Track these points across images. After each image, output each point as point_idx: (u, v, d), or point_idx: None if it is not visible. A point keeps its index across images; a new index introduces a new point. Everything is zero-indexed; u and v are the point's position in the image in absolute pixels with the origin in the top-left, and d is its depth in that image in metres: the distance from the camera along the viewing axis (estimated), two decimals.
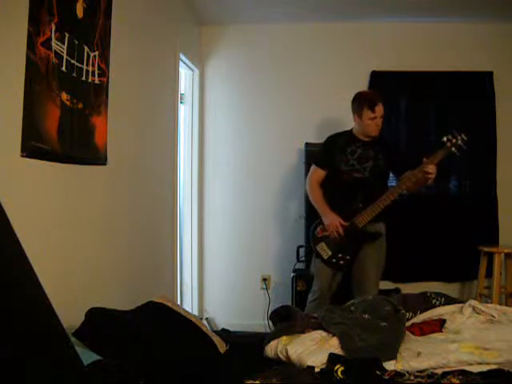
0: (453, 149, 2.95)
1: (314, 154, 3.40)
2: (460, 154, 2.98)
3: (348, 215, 3.06)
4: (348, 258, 3.09)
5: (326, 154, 3.22)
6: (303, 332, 2.09)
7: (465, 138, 2.96)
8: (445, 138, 2.96)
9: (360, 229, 3.05)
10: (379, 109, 3.09)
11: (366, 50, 4.17)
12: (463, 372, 1.69)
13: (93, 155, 2.21)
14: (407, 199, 4.14)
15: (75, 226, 2.07)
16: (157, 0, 3.16)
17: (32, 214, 1.75)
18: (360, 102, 3.12)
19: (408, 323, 2.23)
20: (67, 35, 1.90)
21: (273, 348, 2.05)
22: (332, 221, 3.07)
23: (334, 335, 2.00)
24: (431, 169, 2.89)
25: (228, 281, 4.29)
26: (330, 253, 3.10)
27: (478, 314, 2.18)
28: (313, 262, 3.25)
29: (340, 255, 3.09)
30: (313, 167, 3.27)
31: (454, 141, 2.95)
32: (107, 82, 2.27)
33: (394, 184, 3.31)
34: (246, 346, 2.27)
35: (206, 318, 4.16)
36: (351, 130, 3.24)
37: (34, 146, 1.71)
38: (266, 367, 1.88)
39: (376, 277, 3.13)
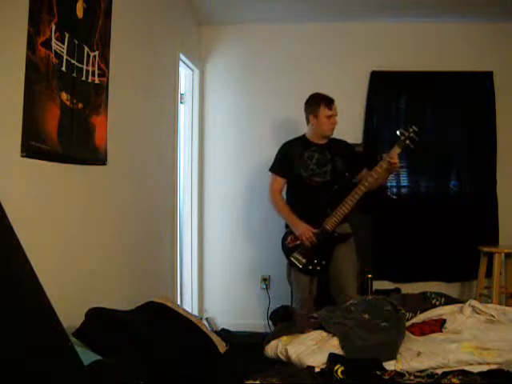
0: (407, 141, 3.01)
1: (272, 163, 3.37)
2: (414, 146, 3.03)
3: (316, 220, 3.07)
4: (324, 262, 3.10)
5: (283, 162, 3.24)
6: (303, 332, 2.09)
7: (416, 129, 3.01)
8: (398, 132, 3.04)
9: (331, 232, 3.06)
10: (335, 107, 3.15)
11: (366, 50, 4.17)
12: (463, 372, 1.69)
13: (93, 155, 2.21)
14: (407, 199, 4.16)
15: (75, 225, 2.07)
16: (157, 0, 3.16)
17: (32, 213, 1.75)
18: (316, 101, 3.18)
19: (408, 323, 2.23)
20: (67, 35, 1.90)
21: (273, 348, 2.05)
22: (303, 230, 3.07)
23: (334, 335, 2.00)
24: (394, 158, 2.94)
25: (228, 281, 4.29)
26: (303, 261, 3.10)
27: (478, 314, 2.18)
28: (290, 273, 3.24)
29: (315, 261, 3.09)
30: (272, 176, 3.27)
31: (406, 134, 3.01)
32: (107, 82, 2.27)
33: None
34: (246, 346, 2.27)
35: (206, 318, 4.15)
36: (304, 135, 3.28)
37: (34, 146, 1.71)
38: (266, 367, 1.88)
39: (352, 275, 3.14)
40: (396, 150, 2.97)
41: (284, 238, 3.21)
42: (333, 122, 3.14)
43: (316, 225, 3.07)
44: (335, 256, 3.10)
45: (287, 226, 3.22)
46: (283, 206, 3.22)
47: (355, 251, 3.19)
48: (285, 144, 3.32)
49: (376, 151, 3.32)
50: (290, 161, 3.19)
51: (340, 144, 3.26)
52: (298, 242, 3.10)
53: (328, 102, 3.13)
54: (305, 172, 3.14)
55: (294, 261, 3.12)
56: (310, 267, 3.09)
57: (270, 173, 3.30)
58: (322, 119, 3.12)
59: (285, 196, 3.33)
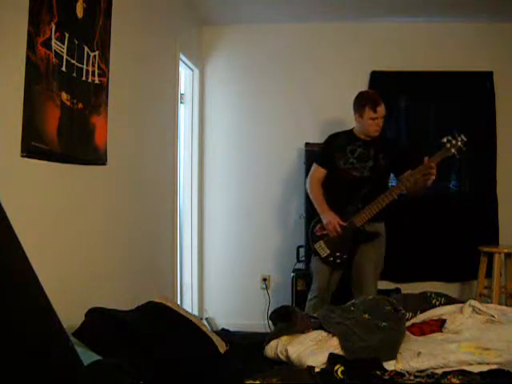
0: (452, 150, 2.94)
1: (315, 154, 3.40)
2: (459, 155, 2.98)
3: (347, 214, 3.07)
4: (345, 256, 3.09)
5: (326, 153, 3.23)
6: (303, 332, 2.09)
7: (464, 139, 2.95)
8: (445, 139, 2.95)
9: (358, 228, 3.05)
10: (381, 109, 3.09)
11: (366, 50, 4.17)
12: (463, 372, 1.69)
13: (93, 155, 2.21)
14: (407, 199, 4.15)
15: (75, 225, 2.07)
16: (157, 0, 3.16)
17: (32, 213, 1.75)
18: (362, 102, 3.12)
19: (408, 323, 2.23)
20: (67, 35, 1.90)
21: (273, 348, 2.05)
22: (330, 220, 3.07)
23: (333, 335, 2.00)
24: (431, 170, 2.88)
25: (228, 281, 4.29)
26: (327, 251, 3.11)
27: (478, 314, 2.18)
28: (312, 261, 3.26)
29: (338, 254, 3.10)
30: (314, 166, 3.28)
31: (453, 142, 2.94)
32: (107, 81, 2.27)
33: (394, 184, 3.30)
34: (246, 346, 2.27)
35: (206, 318, 4.16)
36: (352, 129, 3.25)
37: (33, 145, 1.71)
38: (266, 367, 1.88)
39: (374, 277, 3.14)
40: (438, 158, 2.91)
41: (313, 226, 3.21)
42: (378, 124, 3.09)
43: (346, 219, 3.06)
44: (360, 253, 3.09)
45: (318, 215, 3.20)
46: (318, 194, 3.21)
47: (383, 253, 3.17)
48: (331, 135, 3.30)
49: (421, 153, 3.20)
50: (332, 152, 3.17)
51: (386, 142, 3.23)
52: (326, 232, 3.10)
53: (373, 104, 3.07)
54: (344, 165, 3.12)
55: (318, 249, 3.13)
56: (331, 258, 3.10)
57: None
58: (366, 120, 3.09)
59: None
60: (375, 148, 3.12)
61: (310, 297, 3.21)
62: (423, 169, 2.90)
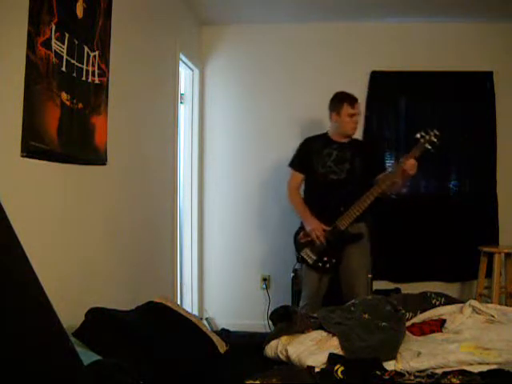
0: (427, 145, 2.97)
1: (291, 159, 3.38)
2: (434, 150, 3.00)
3: (330, 218, 3.07)
4: (334, 260, 3.10)
5: (302, 157, 3.25)
6: (303, 332, 2.09)
7: (437, 133, 2.98)
8: (418, 135, 2.99)
9: (343, 231, 3.06)
10: (358, 106, 3.15)
11: (366, 50, 4.17)
12: (463, 372, 1.69)
13: (93, 155, 2.21)
14: (407, 199, 4.16)
15: (75, 225, 2.07)
16: (157, 0, 3.16)
17: (32, 213, 1.75)
18: (340, 99, 3.17)
19: (408, 323, 2.23)
20: (67, 35, 1.90)
21: (273, 348, 2.05)
22: (314, 226, 3.08)
23: (333, 335, 2.00)
24: (409, 164, 2.89)
25: (228, 281, 4.29)
26: (314, 257, 3.11)
27: (478, 314, 2.18)
28: (300, 268, 3.27)
29: (325, 259, 3.10)
30: (291, 172, 3.29)
31: (427, 137, 2.97)
32: (107, 82, 2.27)
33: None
34: (246, 346, 2.27)
35: (206, 318, 4.16)
36: (326, 132, 3.27)
37: (33, 145, 1.71)
38: (266, 367, 1.88)
39: (364, 276, 3.14)
40: (414, 153, 2.94)
41: (297, 233, 3.22)
42: (355, 121, 3.13)
43: (329, 223, 3.07)
44: (346, 256, 3.10)
45: (302, 222, 3.22)
46: (298, 201, 3.23)
47: (369, 252, 3.18)
48: (305, 140, 3.32)
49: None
50: (309, 157, 3.19)
51: (363, 144, 3.26)
52: (310, 239, 3.10)
53: (351, 100, 3.13)
54: (322, 168, 3.14)
55: (305, 256, 3.13)
56: (320, 264, 3.10)
57: (289, 168, 3.30)
58: (344, 117, 3.12)
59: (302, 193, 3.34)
60: (351, 150, 3.16)
61: (301, 304, 3.21)
62: (401, 167, 2.92)
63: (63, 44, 1.87)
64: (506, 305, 3.55)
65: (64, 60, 1.89)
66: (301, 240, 3.16)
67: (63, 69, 1.89)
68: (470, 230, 4.01)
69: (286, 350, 1.95)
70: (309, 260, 3.12)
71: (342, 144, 3.17)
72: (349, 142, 3.18)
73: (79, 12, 2.01)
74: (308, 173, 3.22)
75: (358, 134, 4.11)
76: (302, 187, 3.35)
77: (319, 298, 3.15)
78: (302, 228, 3.20)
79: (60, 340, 1.17)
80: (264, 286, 4.23)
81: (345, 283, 3.13)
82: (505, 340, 1.90)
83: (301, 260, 3.20)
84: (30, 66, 1.67)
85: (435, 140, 2.97)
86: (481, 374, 1.67)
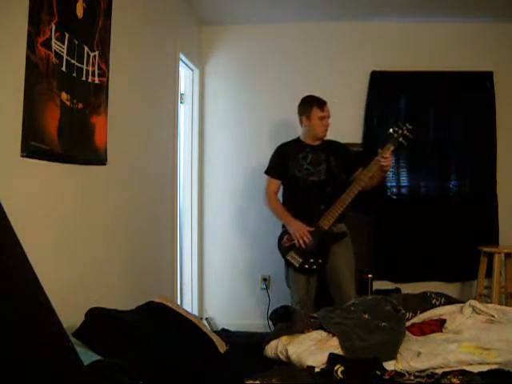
0: (400, 139, 2.99)
1: (267, 165, 3.39)
2: (407, 143, 3.02)
3: (311, 219, 3.08)
4: (320, 261, 3.10)
5: (278, 164, 3.27)
6: (303, 332, 2.09)
7: (409, 127, 3.00)
8: (391, 130, 3.02)
9: (326, 230, 3.06)
10: (327, 109, 3.18)
11: (366, 50, 4.17)
12: (463, 372, 1.69)
13: (93, 155, 2.21)
14: (407, 199, 4.16)
15: (75, 225, 2.07)
16: (157, 0, 3.16)
17: (32, 213, 1.75)
18: (309, 102, 3.21)
19: (408, 323, 2.23)
20: (67, 35, 1.90)
21: (273, 348, 2.05)
22: (297, 228, 3.08)
23: (333, 335, 2.00)
24: (385, 159, 2.92)
25: (228, 281, 4.29)
26: (300, 260, 3.11)
27: (478, 314, 2.18)
28: (287, 273, 3.26)
29: (311, 260, 3.09)
30: (267, 178, 3.31)
31: (400, 132, 3.00)
32: (107, 81, 2.27)
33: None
34: (246, 346, 2.27)
35: (206, 318, 4.16)
36: (298, 137, 3.31)
37: (34, 145, 1.71)
38: (266, 367, 1.88)
39: (351, 274, 3.14)
40: (389, 148, 2.97)
41: (280, 238, 3.22)
42: (325, 124, 3.17)
43: (311, 224, 3.07)
44: (332, 255, 3.10)
45: (284, 226, 3.23)
46: (278, 206, 3.25)
47: (352, 250, 3.19)
48: (279, 146, 3.36)
49: (375, 151, 3.33)
50: (285, 162, 3.22)
51: (334, 144, 3.28)
52: (294, 242, 3.10)
53: (320, 103, 3.17)
54: (299, 172, 3.17)
55: (291, 260, 3.12)
56: (307, 266, 3.09)
57: (265, 175, 3.32)
58: (314, 121, 3.16)
59: (281, 198, 3.35)
60: (324, 151, 3.19)
61: None
62: (377, 161, 2.95)
63: (63, 44, 1.87)
64: (506, 305, 3.55)
65: (64, 60, 1.89)
66: (285, 244, 3.16)
67: (63, 69, 1.89)
68: (470, 230, 4.01)
69: (286, 350, 1.95)
70: (295, 263, 3.11)
71: (315, 146, 3.21)
72: (321, 144, 3.22)
73: (79, 12, 2.01)
74: (286, 178, 3.25)
75: (358, 135, 4.13)
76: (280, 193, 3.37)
77: (310, 300, 3.15)
78: (285, 232, 3.20)
79: (60, 340, 1.17)
80: (264, 286, 4.23)
81: (332, 282, 3.13)
82: (505, 340, 1.90)
83: (287, 264, 3.19)
84: (30, 66, 1.67)
85: (408, 134, 2.99)
86: (481, 373, 1.67)
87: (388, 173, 3.07)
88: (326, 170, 3.16)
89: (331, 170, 3.16)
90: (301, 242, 3.05)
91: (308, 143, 3.23)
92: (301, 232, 3.05)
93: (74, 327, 1.69)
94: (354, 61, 4.17)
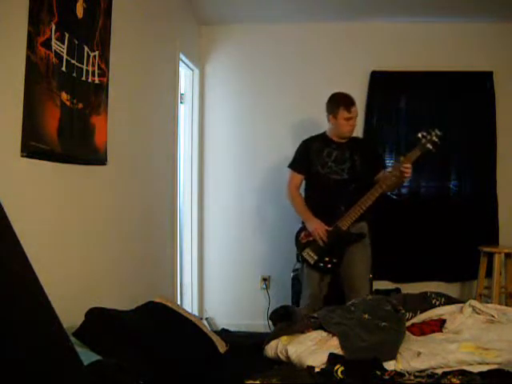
0: (428, 145, 2.95)
1: (291, 160, 3.37)
2: (436, 150, 2.98)
3: (331, 218, 3.07)
4: (335, 261, 3.09)
5: (301, 159, 3.24)
6: (303, 332, 2.09)
7: (439, 133, 2.96)
8: (419, 135, 2.96)
9: (344, 231, 3.05)
10: (354, 109, 3.12)
11: (366, 50, 4.17)
12: (463, 372, 1.69)
13: (93, 155, 2.21)
14: (407, 199, 4.16)
15: (75, 225, 2.07)
16: (156, 0, 3.16)
17: (32, 213, 1.75)
18: (336, 102, 3.15)
19: (408, 323, 2.23)
20: (67, 35, 1.90)
21: (273, 348, 2.05)
22: (316, 227, 3.07)
23: (333, 335, 2.00)
24: (407, 168, 2.89)
25: (228, 281, 4.29)
26: (315, 257, 3.10)
27: (478, 314, 2.18)
28: (301, 268, 3.26)
29: (326, 259, 3.09)
30: (290, 173, 3.28)
31: (428, 137, 2.95)
32: (107, 82, 2.27)
33: None
34: (246, 346, 2.27)
35: (206, 318, 4.15)
36: (325, 132, 3.27)
37: (34, 146, 1.71)
38: (266, 367, 1.88)
39: (366, 276, 3.15)
40: (415, 154, 2.92)
41: (298, 234, 3.21)
42: (351, 124, 3.12)
43: (331, 222, 3.07)
44: (348, 256, 3.09)
45: (303, 222, 3.22)
46: (299, 201, 3.22)
47: (369, 251, 3.18)
48: (304, 141, 3.30)
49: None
50: (309, 157, 3.19)
51: (361, 142, 3.25)
52: (311, 239, 3.10)
53: (347, 104, 3.09)
54: (322, 169, 3.14)
55: (306, 256, 3.12)
56: (321, 264, 3.09)
57: (288, 169, 3.29)
58: (340, 121, 3.10)
59: (303, 192, 3.33)
60: (350, 149, 3.15)
61: (302, 304, 3.21)
62: (398, 168, 2.91)
63: (63, 44, 1.87)
64: (506, 305, 3.55)
65: (64, 60, 1.89)
66: (302, 240, 3.16)
67: (63, 69, 1.89)
68: (470, 229, 4.01)
69: (286, 350, 1.95)
70: (310, 260, 3.11)
71: (341, 144, 3.17)
72: (348, 142, 3.18)
73: (79, 12, 2.01)
74: (308, 174, 3.22)
75: (358, 134, 4.12)
76: (302, 187, 3.35)
77: (320, 298, 3.15)
78: (303, 228, 3.19)
79: (60, 340, 1.17)
80: (264, 285, 4.23)
81: (346, 283, 3.12)
82: (505, 340, 1.90)
83: (302, 260, 3.19)
84: (30, 66, 1.67)
85: (437, 140, 2.95)
86: (481, 373, 1.67)
87: (406, 178, 3.00)
88: (349, 168, 3.12)
89: (354, 169, 3.12)
90: (319, 240, 3.05)
91: (334, 140, 3.18)
92: (319, 230, 3.05)
93: (74, 327, 1.69)
94: (353, 61, 4.17)
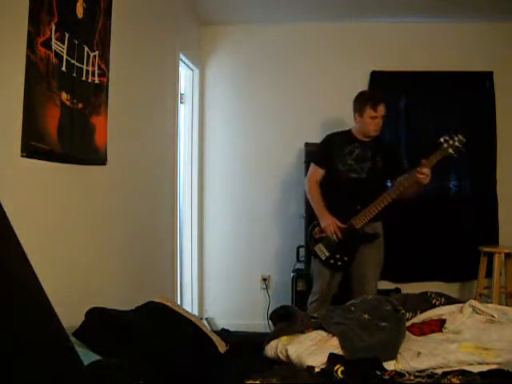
0: (450, 150, 2.91)
1: (313, 153, 3.38)
2: (458, 156, 2.94)
3: (346, 216, 3.06)
4: (346, 259, 3.09)
5: (324, 153, 3.21)
6: (303, 332, 2.09)
7: (462, 139, 2.92)
8: (442, 139, 2.92)
9: (358, 230, 3.04)
10: (381, 108, 3.07)
11: (366, 50, 4.17)
12: (463, 372, 1.69)
13: (93, 155, 2.21)
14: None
15: (75, 225, 2.07)
16: (157, 0, 3.16)
17: (32, 213, 1.75)
18: (363, 101, 3.11)
19: (408, 323, 2.22)
20: (67, 35, 1.90)
21: (273, 348, 2.05)
22: (329, 223, 3.06)
23: (333, 335, 2.00)
24: (425, 172, 2.85)
25: (228, 281, 4.29)
26: (327, 254, 3.10)
27: (478, 314, 2.18)
28: (312, 263, 3.26)
29: (338, 256, 3.09)
30: (312, 166, 3.26)
31: (451, 142, 2.91)
32: (107, 82, 2.27)
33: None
34: (246, 346, 2.26)
35: (206, 318, 4.16)
36: (350, 129, 3.23)
37: (34, 146, 1.71)
38: (266, 367, 1.88)
39: (375, 277, 3.14)
40: (435, 159, 2.88)
41: (312, 229, 3.20)
42: (377, 123, 3.08)
43: (345, 221, 3.06)
44: (359, 254, 3.08)
45: (317, 218, 3.20)
46: (317, 197, 3.19)
47: (382, 252, 3.17)
48: (328, 135, 3.28)
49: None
50: (330, 153, 3.16)
51: (385, 145, 3.22)
52: (324, 235, 3.10)
53: (374, 103, 3.05)
54: (342, 166, 3.11)
55: (318, 252, 3.12)
56: (332, 261, 3.09)
57: (311, 164, 3.27)
58: (366, 119, 3.07)
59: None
60: (373, 149, 3.12)
61: (310, 300, 3.20)
62: (417, 172, 2.87)
63: (63, 44, 1.87)
64: (506, 305, 3.55)
65: (64, 60, 1.89)
66: (315, 235, 3.15)
67: (63, 69, 1.89)
68: (470, 229, 4.01)
69: (286, 350, 1.95)
70: (321, 256, 3.11)
71: (364, 142, 3.13)
72: (371, 141, 3.14)
73: (79, 12, 2.01)
74: (328, 169, 3.19)
75: None
76: None
77: (329, 295, 3.14)
78: (317, 224, 3.17)
79: (60, 340, 1.17)
80: (264, 285, 4.23)
81: (355, 282, 3.11)
82: (505, 340, 1.90)
83: (314, 255, 3.19)
84: (30, 65, 1.67)
85: (460, 146, 2.90)
86: (481, 373, 1.67)
87: (425, 184, 2.92)
88: (369, 168, 3.09)
89: (374, 170, 3.09)
90: (331, 236, 3.05)
91: (358, 138, 3.15)
92: (332, 227, 3.04)
93: (73, 327, 1.69)
94: (353, 61, 4.17)
